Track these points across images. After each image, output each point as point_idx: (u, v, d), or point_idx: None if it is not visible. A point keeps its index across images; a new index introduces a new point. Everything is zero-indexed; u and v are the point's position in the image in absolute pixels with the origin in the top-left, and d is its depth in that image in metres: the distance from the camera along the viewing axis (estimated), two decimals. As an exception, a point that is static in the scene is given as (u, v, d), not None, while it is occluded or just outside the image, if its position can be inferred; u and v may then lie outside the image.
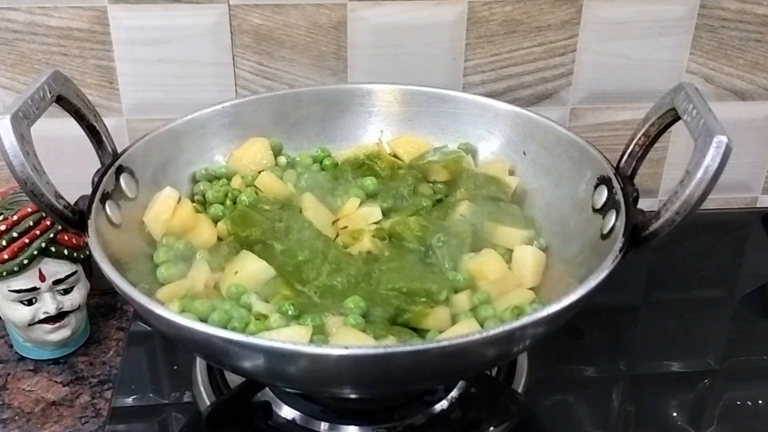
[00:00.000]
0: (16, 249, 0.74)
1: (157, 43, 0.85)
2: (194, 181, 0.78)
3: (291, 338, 0.60)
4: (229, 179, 0.78)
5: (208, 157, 0.79)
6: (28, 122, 0.59)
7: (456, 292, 0.67)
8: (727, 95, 0.95)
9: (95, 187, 0.66)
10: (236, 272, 0.67)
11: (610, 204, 0.67)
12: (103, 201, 0.66)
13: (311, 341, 0.60)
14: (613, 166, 0.69)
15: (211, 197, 0.76)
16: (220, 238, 0.72)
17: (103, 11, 0.83)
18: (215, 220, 0.74)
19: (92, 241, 0.61)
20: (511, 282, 0.69)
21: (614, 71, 0.92)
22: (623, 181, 0.67)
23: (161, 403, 0.74)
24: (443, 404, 0.71)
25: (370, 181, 0.77)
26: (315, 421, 0.70)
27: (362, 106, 0.83)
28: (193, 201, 0.75)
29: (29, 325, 0.77)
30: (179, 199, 0.72)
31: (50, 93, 0.63)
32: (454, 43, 0.88)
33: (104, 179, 0.67)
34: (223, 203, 0.75)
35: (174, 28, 0.85)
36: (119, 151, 0.71)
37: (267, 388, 0.71)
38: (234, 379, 0.72)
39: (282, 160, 0.81)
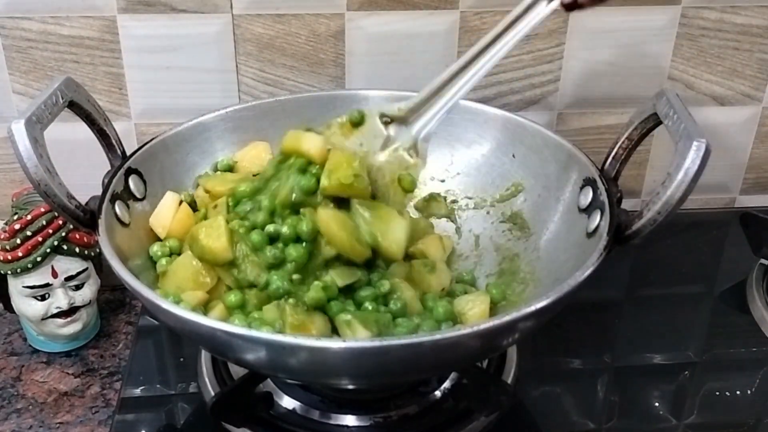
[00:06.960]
0: (29, 247, 0.74)
1: (164, 51, 0.85)
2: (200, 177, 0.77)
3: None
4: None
5: (212, 159, 0.78)
6: (41, 126, 0.59)
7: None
8: (707, 101, 0.95)
9: (105, 188, 0.66)
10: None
11: (595, 204, 0.66)
12: (112, 201, 0.66)
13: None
14: (597, 168, 0.68)
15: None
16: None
17: (113, 20, 0.83)
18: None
19: (102, 239, 0.61)
20: None
21: (599, 78, 0.92)
22: (607, 182, 0.67)
23: (168, 394, 0.74)
24: (436, 395, 0.71)
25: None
26: (314, 410, 0.70)
27: (359, 111, 0.83)
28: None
29: (42, 319, 0.77)
30: (180, 202, 0.72)
31: (62, 98, 0.63)
32: (447, 50, 0.88)
33: (114, 180, 0.67)
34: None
35: (180, 37, 0.85)
36: (128, 153, 0.71)
37: (269, 379, 0.71)
38: (237, 371, 0.72)
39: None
